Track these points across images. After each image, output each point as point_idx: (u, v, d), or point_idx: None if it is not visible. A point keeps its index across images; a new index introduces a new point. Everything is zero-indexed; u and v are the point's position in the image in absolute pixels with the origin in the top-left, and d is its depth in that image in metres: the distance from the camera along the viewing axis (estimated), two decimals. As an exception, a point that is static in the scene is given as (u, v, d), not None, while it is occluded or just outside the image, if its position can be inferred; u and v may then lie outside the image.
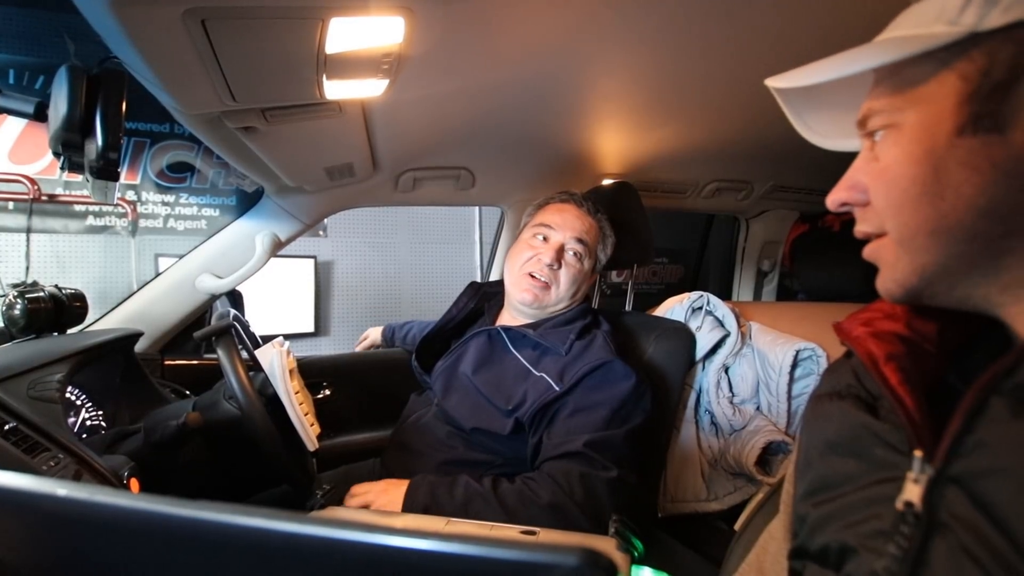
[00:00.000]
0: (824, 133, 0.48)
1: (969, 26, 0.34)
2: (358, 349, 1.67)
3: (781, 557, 0.50)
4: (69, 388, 1.00)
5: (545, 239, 1.11)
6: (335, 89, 0.80)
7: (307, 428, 0.90)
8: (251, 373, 0.91)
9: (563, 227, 1.10)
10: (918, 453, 0.37)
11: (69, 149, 0.67)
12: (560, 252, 1.09)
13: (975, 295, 0.39)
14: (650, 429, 0.99)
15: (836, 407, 0.47)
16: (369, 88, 0.83)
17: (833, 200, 0.45)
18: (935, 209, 0.37)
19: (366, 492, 0.94)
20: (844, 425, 0.45)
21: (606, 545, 0.62)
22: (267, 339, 1.00)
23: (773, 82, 0.44)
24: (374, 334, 1.66)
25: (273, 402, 0.92)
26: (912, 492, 0.36)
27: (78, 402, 1.04)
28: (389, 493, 0.92)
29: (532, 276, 1.09)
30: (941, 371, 0.43)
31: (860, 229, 0.44)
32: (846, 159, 0.50)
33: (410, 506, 0.89)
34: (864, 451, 0.42)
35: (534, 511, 0.85)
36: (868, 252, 0.44)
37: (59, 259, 2.40)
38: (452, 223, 3.26)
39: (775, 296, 2.17)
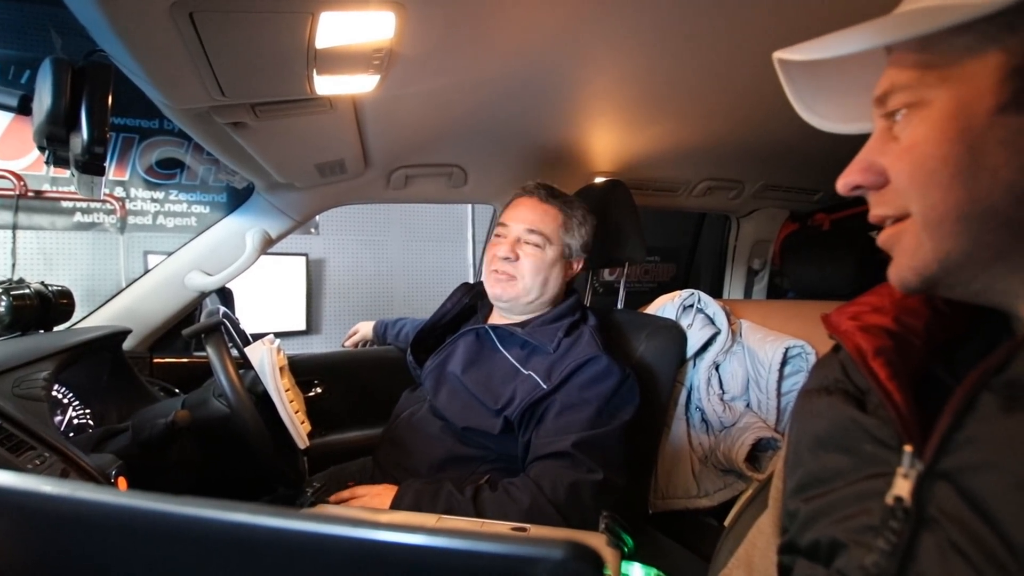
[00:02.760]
0: (825, 115, 0.46)
1: None
2: (347, 344, 1.65)
3: (770, 552, 0.50)
4: (55, 386, 0.99)
5: (503, 235, 1.13)
6: (326, 84, 0.79)
7: (297, 426, 0.90)
8: (241, 371, 0.91)
9: (516, 220, 1.12)
10: (908, 448, 0.37)
11: (54, 143, 0.66)
12: (515, 244, 1.10)
13: (994, 288, 0.37)
14: (639, 422, 0.99)
15: (825, 402, 0.47)
16: (360, 84, 0.83)
17: (845, 183, 0.41)
18: (968, 192, 0.35)
19: (364, 494, 0.95)
20: (833, 420, 0.45)
21: (596, 541, 0.63)
22: (258, 337, 0.99)
23: (784, 54, 0.41)
24: (364, 329, 1.64)
25: (263, 400, 0.91)
26: (902, 487, 0.36)
27: (65, 400, 1.02)
28: (382, 496, 0.93)
29: (494, 271, 1.11)
30: (927, 365, 0.43)
31: (876, 213, 0.41)
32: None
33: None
34: (853, 446, 0.42)
35: (512, 517, 0.85)
36: (884, 238, 0.41)
37: (46, 256, 2.37)
38: (445, 221, 3.25)
39: (765, 294, 2.18)
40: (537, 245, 1.10)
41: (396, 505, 0.91)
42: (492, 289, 1.12)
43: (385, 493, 0.94)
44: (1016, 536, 0.30)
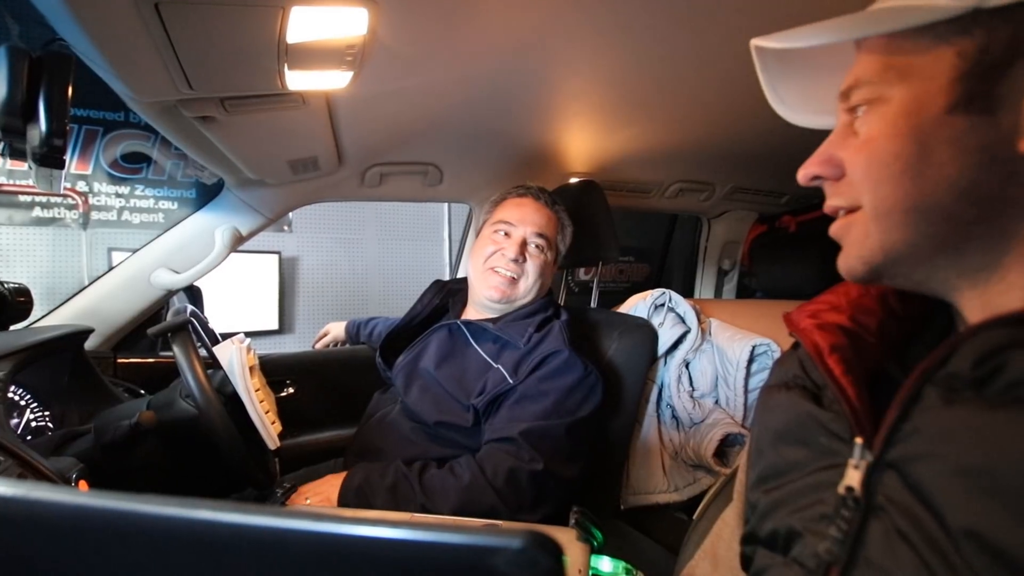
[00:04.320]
0: (794, 106, 0.48)
1: (973, 1, 0.33)
2: (318, 346, 1.63)
3: (734, 543, 0.51)
4: (12, 387, 0.96)
5: (507, 234, 1.12)
6: (297, 80, 0.78)
7: (268, 426, 0.89)
8: (209, 371, 0.89)
9: (524, 221, 1.12)
10: (859, 440, 0.38)
11: (10, 134, 0.64)
12: (523, 246, 1.11)
13: (934, 278, 0.40)
14: (599, 421, 1.02)
15: (784, 397, 0.49)
16: (333, 80, 0.82)
17: (805, 174, 0.44)
18: (915, 186, 0.37)
19: (307, 490, 0.95)
20: (791, 414, 0.47)
21: (566, 535, 0.63)
22: (228, 336, 0.97)
23: (761, 41, 0.43)
24: (335, 330, 1.62)
25: (232, 400, 0.89)
26: (852, 478, 0.38)
27: (22, 402, 0.99)
28: (328, 482, 0.94)
29: (497, 272, 1.10)
30: (882, 362, 0.45)
31: (831, 203, 0.43)
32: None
33: (345, 490, 0.91)
34: (810, 439, 0.44)
35: (451, 493, 0.88)
36: (835, 228, 0.43)
37: (2, 253, 2.27)
38: (421, 219, 3.23)
39: (735, 294, 2.23)
40: (542, 248, 1.12)
41: (347, 483, 0.92)
42: (489, 291, 1.10)
43: (332, 479, 0.94)
44: (953, 521, 0.32)
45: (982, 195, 0.35)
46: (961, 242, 0.37)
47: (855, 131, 0.41)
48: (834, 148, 0.42)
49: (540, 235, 1.11)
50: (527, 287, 1.11)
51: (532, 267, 1.11)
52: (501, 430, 0.94)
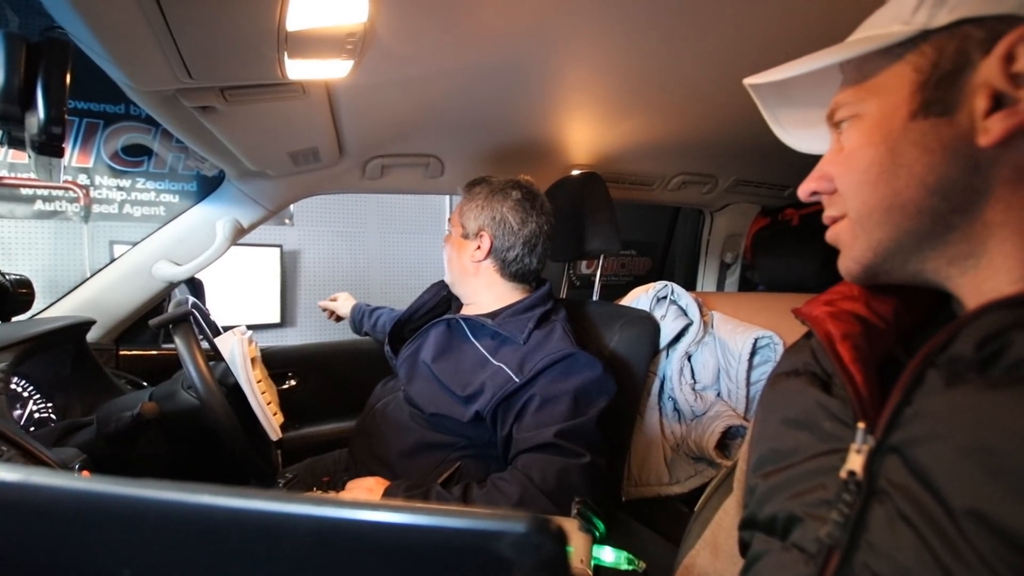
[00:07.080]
0: (798, 135, 0.53)
1: (920, 24, 0.38)
2: (319, 303, 1.61)
3: (734, 531, 0.51)
4: (15, 379, 0.96)
5: None
6: (297, 69, 0.78)
7: (270, 417, 0.89)
8: (211, 362, 0.89)
9: None
10: (861, 425, 0.39)
11: (8, 122, 0.63)
12: None
13: (926, 269, 0.42)
14: (613, 411, 1.01)
15: (792, 384, 0.49)
16: (333, 69, 0.81)
17: (804, 190, 0.48)
18: (890, 187, 0.41)
19: (355, 487, 0.94)
20: (797, 401, 0.47)
21: (568, 525, 0.63)
22: (230, 329, 0.97)
23: (751, 80, 0.48)
24: (344, 306, 1.58)
25: (234, 392, 0.90)
26: (855, 462, 0.38)
27: (25, 393, 0.99)
28: (373, 492, 0.93)
29: None
30: (895, 348, 0.45)
31: (827, 214, 0.47)
32: (805, 156, 0.54)
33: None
34: (814, 425, 0.44)
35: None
36: (830, 235, 0.47)
37: (4, 245, 2.28)
38: (422, 212, 3.23)
39: (737, 287, 2.22)
40: (449, 233, 1.19)
41: (386, 497, 0.90)
42: None
43: (376, 488, 0.93)
44: (955, 502, 0.32)
45: (951, 188, 0.39)
46: (943, 233, 0.40)
47: (841, 146, 0.45)
48: (826, 165, 0.46)
49: (449, 220, 1.19)
50: (446, 269, 1.20)
51: (444, 253, 1.20)
52: (533, 438, 0.91)
